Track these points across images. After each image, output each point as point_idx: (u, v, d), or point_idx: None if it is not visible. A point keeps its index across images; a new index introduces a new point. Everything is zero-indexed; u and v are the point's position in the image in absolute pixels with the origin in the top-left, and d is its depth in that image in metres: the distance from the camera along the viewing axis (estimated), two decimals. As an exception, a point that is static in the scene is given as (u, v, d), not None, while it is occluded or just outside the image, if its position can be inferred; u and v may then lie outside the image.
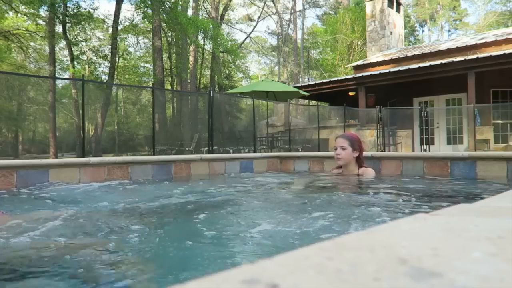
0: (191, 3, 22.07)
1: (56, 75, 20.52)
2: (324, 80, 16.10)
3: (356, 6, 28.93)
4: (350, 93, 14.92)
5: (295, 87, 14.50)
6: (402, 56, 15.66)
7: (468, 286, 0.28)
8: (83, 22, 18.42)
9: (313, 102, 17.88)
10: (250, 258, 1.26)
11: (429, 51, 15.10)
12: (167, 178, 3.67)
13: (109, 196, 2.74)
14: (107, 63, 20.88)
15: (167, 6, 17.60)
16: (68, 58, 19.59)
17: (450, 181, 3.26)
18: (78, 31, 19.34)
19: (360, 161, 3.39)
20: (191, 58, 22.16)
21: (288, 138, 11.49)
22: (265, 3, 32.55)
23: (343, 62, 28.16)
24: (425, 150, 11.93)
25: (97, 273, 1.13)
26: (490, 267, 0.32)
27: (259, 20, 32.73)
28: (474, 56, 11.92)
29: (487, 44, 13.62)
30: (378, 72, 13.94)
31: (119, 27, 19.10)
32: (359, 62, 18.02)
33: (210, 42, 22.54)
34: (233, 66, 28.99)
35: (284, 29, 33.66)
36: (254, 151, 9.70)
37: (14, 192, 2.74)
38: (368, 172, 3.37)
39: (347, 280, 0.29)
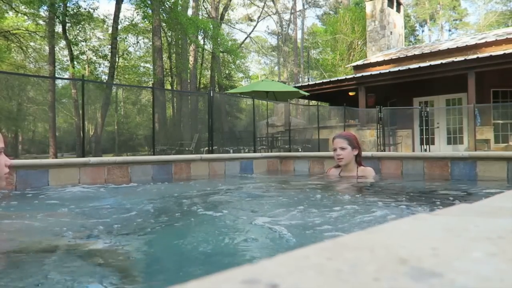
0: (191, 3, 22.07)
1: (56, 75, 20.53)
2: (324, 80, 16.10)
3: (356, 6, 28.93)
4: (350, 93, 14.92)
5: (295, 87, 14.49)
6: (402, 56, 15.65)
7: (468, 286, 0.28)
8: (83, 22, 18.44)
9: (313, 102, 17.87)
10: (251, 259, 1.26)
11: (429, 51, 15.09)
12: (167, 178, 3.68)
13: (113, 196, 2.74)
14: (107, 63, 20.88)
15: (167, 6, 17.61)
16: (68, 58, 19.60)
17: (450, 181, 3.26)
18: (78, 31, 19.36)
19: (359, 159, 3.38)
20: (191, 58, 22.16)
21: (288, 138, 11.49)
22: (265, 3, 32.57)
23: (343, 62, 28.15)
24: (425, 150, 11.93)
25: (95, 272, 1.12)
26: (490, 267, 0.32)
27: (259, 20, 32.79)
28: (474, 56, 11.92)
29: (487, 44, 13.62)
30: (378, 72, 13.94)
31: (119, 27, 19.10)
32: (359, 62, 18.02)
33: (210, 42, 22.55)
34: (233, 66, 28.99)
35: (284, 29, 33.69)
36: (254, 151, 9.70)
37: (14, 192, 2.75)
38: (368, 172, 3.37)
39: (347, 280, 0.29)
